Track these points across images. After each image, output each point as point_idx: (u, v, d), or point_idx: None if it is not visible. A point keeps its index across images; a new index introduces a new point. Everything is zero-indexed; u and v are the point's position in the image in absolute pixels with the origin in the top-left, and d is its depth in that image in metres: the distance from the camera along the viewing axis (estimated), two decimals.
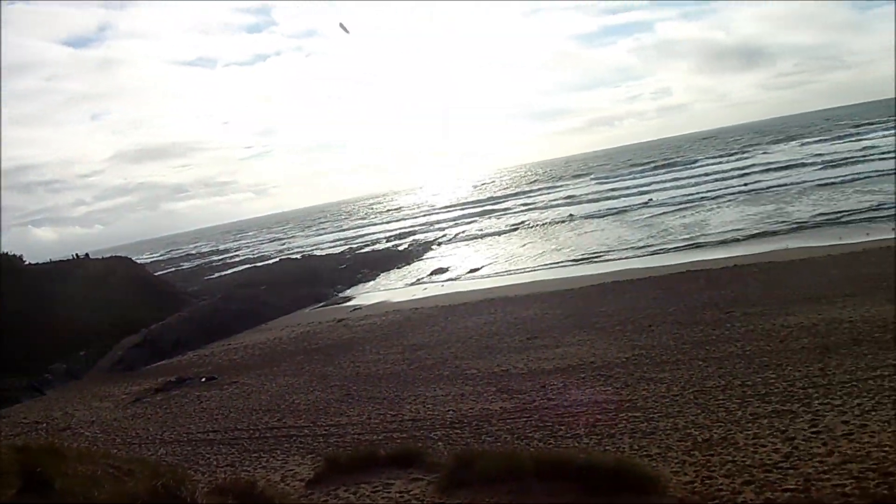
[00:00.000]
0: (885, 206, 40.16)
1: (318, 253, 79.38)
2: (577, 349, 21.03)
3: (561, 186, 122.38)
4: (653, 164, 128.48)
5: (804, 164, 74.59)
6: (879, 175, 55.25)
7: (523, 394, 17.29)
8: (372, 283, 51.87)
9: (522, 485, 7.99)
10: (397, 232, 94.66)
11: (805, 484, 7.88)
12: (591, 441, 12.93)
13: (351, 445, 15.36)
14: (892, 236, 31.44)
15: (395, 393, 20.06)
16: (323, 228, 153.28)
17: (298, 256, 75.24)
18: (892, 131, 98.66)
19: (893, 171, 55.18)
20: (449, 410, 17.18)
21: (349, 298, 45.78)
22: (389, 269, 56.14)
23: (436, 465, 10.35)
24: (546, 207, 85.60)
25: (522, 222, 73.06)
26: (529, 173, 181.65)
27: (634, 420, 13.82)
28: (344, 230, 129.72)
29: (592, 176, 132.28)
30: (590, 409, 15.07)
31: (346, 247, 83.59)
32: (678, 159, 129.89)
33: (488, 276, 43.87)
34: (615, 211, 67.36)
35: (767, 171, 75.51)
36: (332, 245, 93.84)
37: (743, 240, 39.93)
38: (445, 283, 43.99)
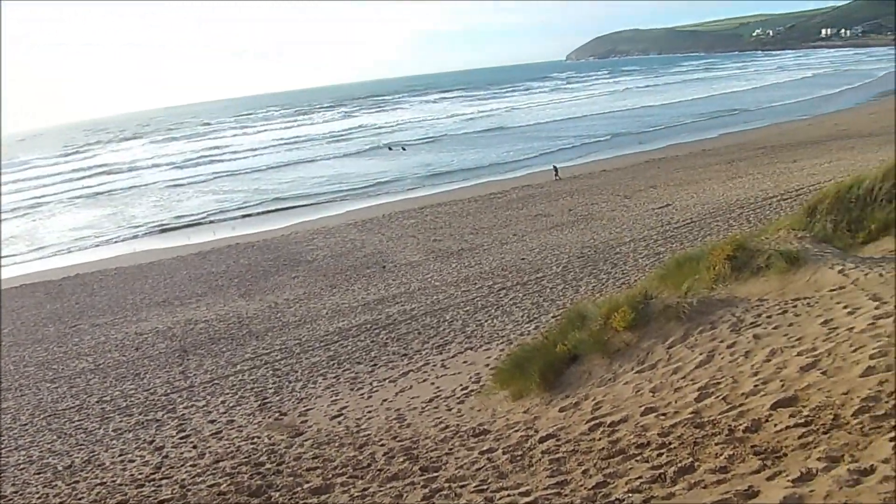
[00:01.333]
0: (229, 209, 44.20)
1: None
2: None
3: None
4: None
5: (154, 165, 76.34)
6: (227, 175, 60.66)
7: None
8: None
9: None
10: None
11: (181, 491, 7.80)
12: None
13: None
14: (234, 234, 35.05)
15: None
16: None
17: None
18: (238, 132, 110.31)
19: (240, 172, 61.49)
20: None
21: None
22: None
23: None
24: None
25: None
26: None
27: None
28: None
29: None
30: None
31: None
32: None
33: None
34: None
35: (113, 172, 74.76)
36: None
37: (86, 248, 38.74)
38: None
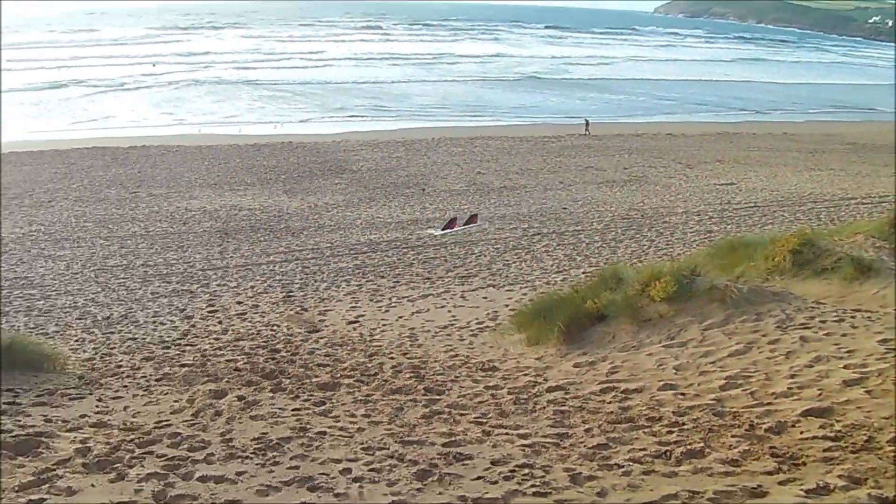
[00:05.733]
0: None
1: None
2: None
3: None
4: None
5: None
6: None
7: None
8: None
9: None
10: None
11: (202, 359, 7.94)
12: None
13: None
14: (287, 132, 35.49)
15: None
16: None
17: None
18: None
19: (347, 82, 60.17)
20: None
21: None
22: None
23: None
24: None
25: None
26: None
27: (31, 298, 12.59)
28: None
29: None
30: None
31: None
32: None
33: None
34: None
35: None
36: None
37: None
38: None
